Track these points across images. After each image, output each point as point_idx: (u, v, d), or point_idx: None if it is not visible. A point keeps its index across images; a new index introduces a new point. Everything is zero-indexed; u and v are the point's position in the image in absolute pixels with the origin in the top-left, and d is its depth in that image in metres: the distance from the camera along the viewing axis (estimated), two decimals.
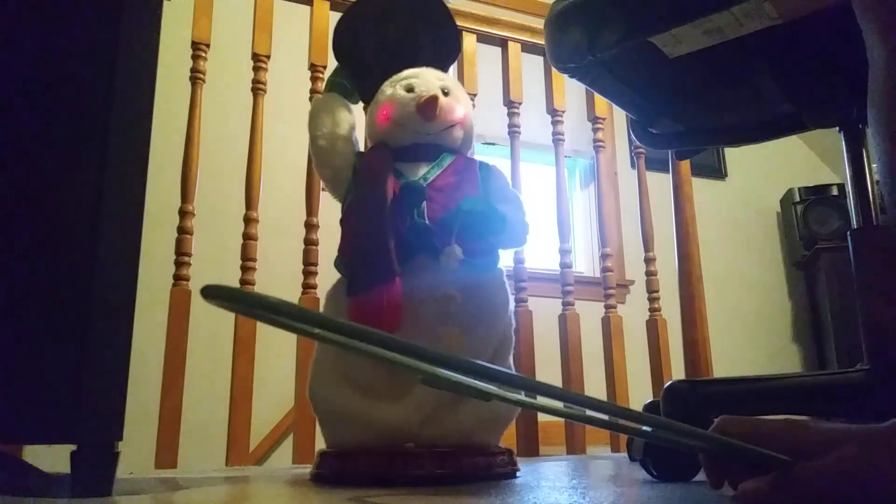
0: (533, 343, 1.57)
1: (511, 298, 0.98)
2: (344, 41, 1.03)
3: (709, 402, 0.84)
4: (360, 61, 1.04)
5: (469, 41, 1.71)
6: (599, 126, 1.82)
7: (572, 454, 1.56)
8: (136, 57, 0.79)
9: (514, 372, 0.95)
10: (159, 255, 1.54)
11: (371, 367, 0.88)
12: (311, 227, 1.46)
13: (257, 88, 1.50)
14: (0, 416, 0.67)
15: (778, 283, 3.63)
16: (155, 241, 1.36)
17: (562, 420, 1.61)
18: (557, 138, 1.76)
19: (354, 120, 1.03)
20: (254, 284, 1.41)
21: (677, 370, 1.73)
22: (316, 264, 1.44)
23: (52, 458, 0.83)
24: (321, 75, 1.52)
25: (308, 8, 1.58)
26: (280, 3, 1.56)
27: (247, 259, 1.41)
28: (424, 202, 0.92)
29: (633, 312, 2.10)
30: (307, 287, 1.43)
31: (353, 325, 0.43)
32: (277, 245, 2.10)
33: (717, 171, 3.63)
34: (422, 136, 1.00)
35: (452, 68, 1.59)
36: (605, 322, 1.71)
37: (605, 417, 0.52)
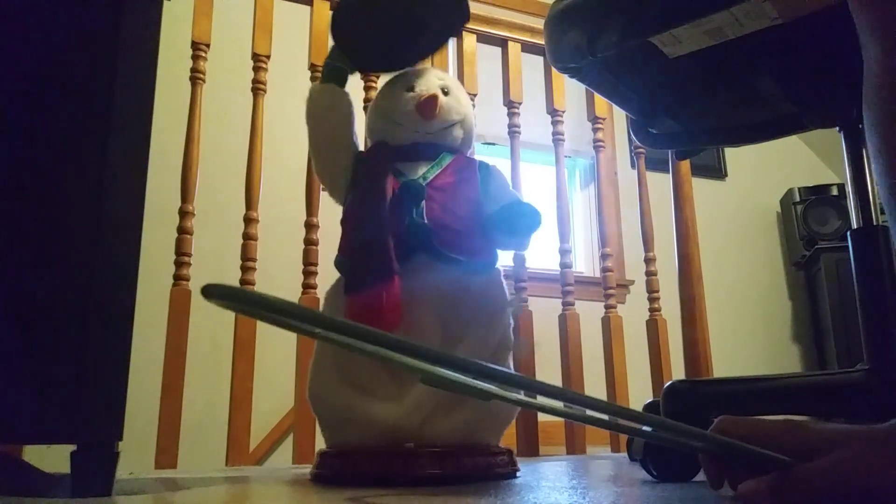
0: (533, 343, 1.57)
1: (510, 298, 0.98)
2: (344, 19, 1.01)
3: (709, 402, 0.84)
4: (358, 41, 1.02)
5: (469, 41, 1.71)
6: (599, 126, 1.82)
7: (572, 454, 1.56)
8: (136, 57, 0.79)
9: (512, 371, 0.95)
10: (159, 255, 1.54)
11: (371, 367, 0.88)
12: (311, 227, 1.46)
13: (257, 88, 1.50)
14: (0, 416, 0.67)
15: (778, 283, 3.63)
16: (155, 241, 1.36)
17: (562, 420, 1.61)
18: (557, 138, 1.76)
19: (353, 115, 1.01)
20: (254, 284, 1.41)
21: (677, 370, 1.73)
22: (316, 264, 1.44)
23: (52, 458, 0.83)
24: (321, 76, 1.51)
25: (308, 8, 1.58)
26: (280, 3, 1.56)
27: (247, 259, 1.41)
28: (424, 201, 0.92)
29: (633, 312, 2.10)
30: (307, 287, 1.43)
31: (353, 325, 0.43)
32: (277, 245, 2.10)
33: (717, 171, 3.62)
34: (421, 135, 1.00)
35: (452, 68, 1.58)
36: (605, 322, 1.71)
37: (605, 417, 0.52)
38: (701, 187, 2.17)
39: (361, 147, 1.09)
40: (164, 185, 1.48)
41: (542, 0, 3.15)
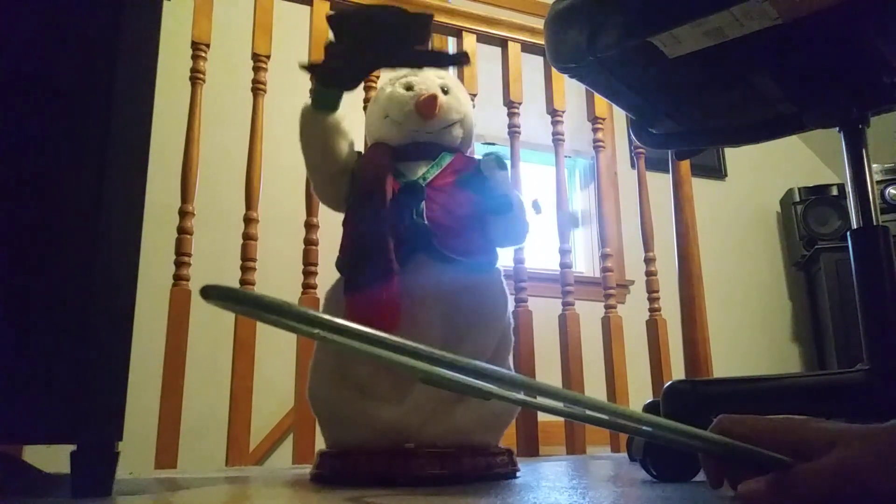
0: (533, 343, 1.57)
1: (510, 298, 0.98)
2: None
3: (709, 403, 0.84)
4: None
5: (469, 41, 1.71)
6: (599, 126, 1.82)
7: (572, 454, 1.56)
8: (136, 57, 0.79)
9: (512, 372, 0.95)
10: (159, 255, 1.54)
11: (371, 367, 0.88)
12: (311, 227, 1.46)
13: (257, 88, 1.50)
14: (0, 416, 0.67)
15: (778, 283, 3.63)
16: (155, 241, 1.36)
17: (562, 420, 1.61)
18: (557, 138, 1.75)
19: (347, 136, 0.98)
20: (254, 284, 1.41)
21: (677, 370, 1.73)
22: (316, 264, 1.44)
23: (52, 458, 0.83)
24: None
25: (308, 8, 1.58)
26: (280, 3, 1.56)
27: (247, 259, 1.41)
28: (423, 202, 0.92)
29: (633, 312, 2.10)
30: (307, 287, 1.43)
31: (352, 326, 0.43)
32: (277, 245, 2.10)
33: (717, 171, 3.62)
34: (421, 134, 1.00)
35: (452, 68, 1.58)
36: (605, 322, 1.71)
37: (605, 417, 0.52)
38: (701, 187, 2.17)
39: (361, 147, 1.09)
40: (164, 185, 1.48)
41: (542, 0, 3.15)
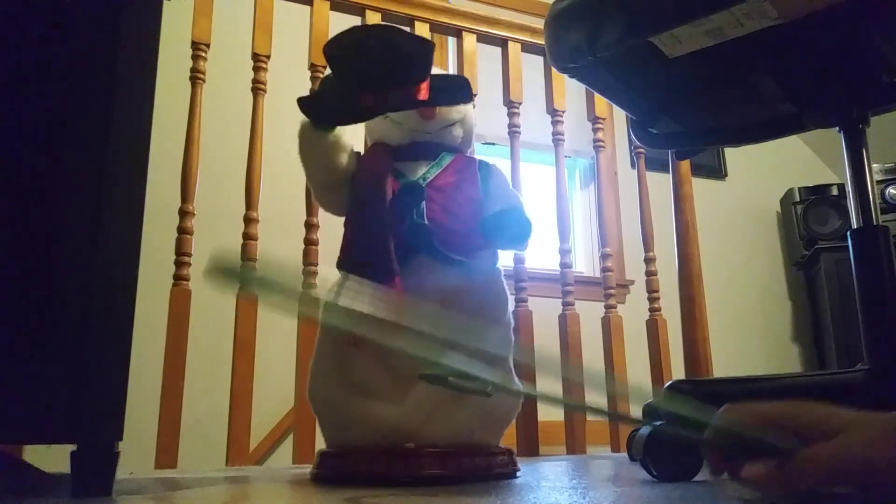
0: (533, 343, 1.57)
1: (511, 298, 0.98)
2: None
3: (709, 402, 0.84)
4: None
5: (469, 41, 1.71)
6: (599, 126, 1.82)
7: (572, 454, 1.56)
8: (136, 57, 0.79)
9: (512, 371, 0.95)
10: (159, 255, 1.54)
11: (371, 367, 0.88)
12: (311, 227, 1.46)
13: (257, 88, 1.50)
14: (0, 416, 0.67)
15: (778, 283, 3.62)
16: (155, 241, 1.36)
17: (562, 420, 1.61)
18: (557, 138, 1.75)
19: (347, 147, 0.97)
20: None
21: (677, 370, 1.73)
22: (316, 264, 1.44)
23: (52, 458, 0.83)
24: (321, 75, 1.52)
25: (308, 8, 1.58)
26: (280, 3, 1.56)
27: (247, 259, 1.41)
28: (424, 202, 0.92)
29: (633, 312, 2.10)
30: (307, 287, 1.43)
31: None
32: (277, 245, 2.10)
33: (717, 171, 3.62)
34: (421, 134, 1.00)
35: (452, 68, 1.58)
36: (605, 322, 1.71)
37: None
38: (701, 187, 2.17)
39: (361, 148, 1.09)
40: (164, 185, 1.48)
41: (543, 0, 3.15)
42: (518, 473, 0.91)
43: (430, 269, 0.89)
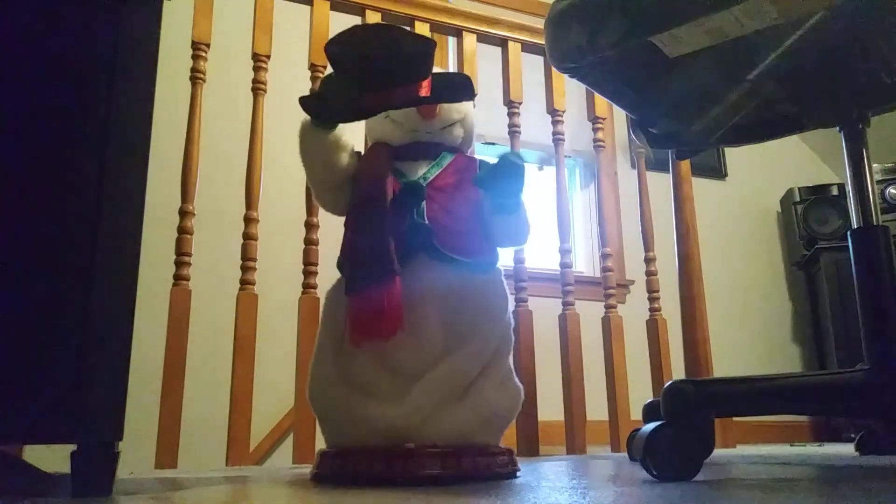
0: (533, 343, 1.57)
1: (511, 298, 0.98)
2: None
3: (709, 402, 0.84)
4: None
5: (469, 41, 1.71)
6: (599, 126, 1.82)
7: (572, 454, 1.56)
8: (136, 57, 0.79)
9: (512, 370, 0.95)
10: (159, 255, 1.54)
11: (371, 367, 0.88)
12: (311, 227, 1.46)
13: (257, 88, 1.50)
14: (0, 416, 0.67)
15: (778, 283, 3.62)
16: (155, 241, 1.36)
17: (562, 420, 1.61)
18: (557, 138, 1.76)
19: (348, 146, 0.97)
20: (254, 284, 1.41)
21: (677, 370, 1.73)
22: (316, 264, 1.44)
23: (52, 458, 0.83)
24: (321, 75, 1.52)
25: (308, 8, 1.58)
26: (280, 3, 1.56)
27: (247, 259, 1.41)
28: (424, 202, 0.92)
29: (633, 312, 2.10)
30: (307, 287, 1.43)
31: None
32: (277, 245, 2.10)
33: (717, 171, 3.62)
34: (421, 134, 1.00)
35: (453, 68, 1.58)
36: (605, 322, 1.71)
37: None
38: (701, 187, 2.17)
39: (362, 148, 1.09)
40: (164, 185, 1.48)
41: (543, 0, 3.15)
42: (518, 473, 0.91)
43: (431, 268, 0.89)
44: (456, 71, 1.70)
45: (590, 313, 1.76)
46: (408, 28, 1.63)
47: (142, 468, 1.23)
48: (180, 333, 1.34)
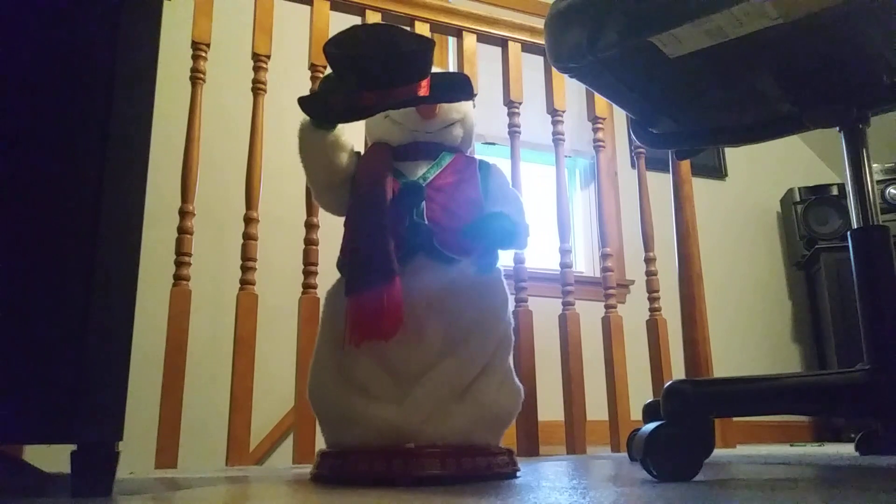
0: (533, 343, 1.57)
1: (511, 298, 0.98)
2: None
3: (709, 402, 0.84)
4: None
5: (469, 41, 1.71)
6: (599, 126, 1.82)
7: (572, 454, 1.56)
8: (136, 57, 0.79)
9: (512, 370, 0.95)
10: (159, 255, 1.54)
11: (371, 366, 0.88)
12: (311, 227, 1.46)
13: (257, 88, 1.50)
14: (0, 416, 0.67)
15: (778, 283, 3.63)
16: (155, 241, 1.36)
17: (562, 420, 1.61)
18: (557, 138, 1.76)
19: (347, 146, 0.98)
20: (254, 284, 1.41)
21: (677, 370, 1.73)
22: (316, 264, 1.44)
23: (52, 458, 0.83)
24: (321, 75, 1.52)
25: (308, 8, 1.58)
26: (280, 3, 1.56)
27: (247, 259, 1.41)
28: (424, 202, 0.92)
29: (633, 312, 2.10)
30: (307, 287, 1.43)
31: None
32: (277, 245, 2.10)
33: (717, 171, 3.62)
34: (421, 134, 1.00)
35: (453, 68, 1.58)
36: (605, 322, 1.71)
37: None
38: (701, 187, 2.18)
39: (361, 148, 1.08)
40: (164, 185, 1.48)
41: (543, 0, 3.15)
42: (518, 473, 0.91)
43: (430, 269, 0.89)
44: (455, 71, 1.70)
45: (590, 313, 1.76)
46: (407, 28, 1.63)
47: (142, 468, 1.23)
48: (180, 333, 1.34)
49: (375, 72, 0.85)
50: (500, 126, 1.81)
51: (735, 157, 3.68)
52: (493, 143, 3.03)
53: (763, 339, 3.47)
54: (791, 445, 2.46)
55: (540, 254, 2.75)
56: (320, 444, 0.96)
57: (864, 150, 0.90)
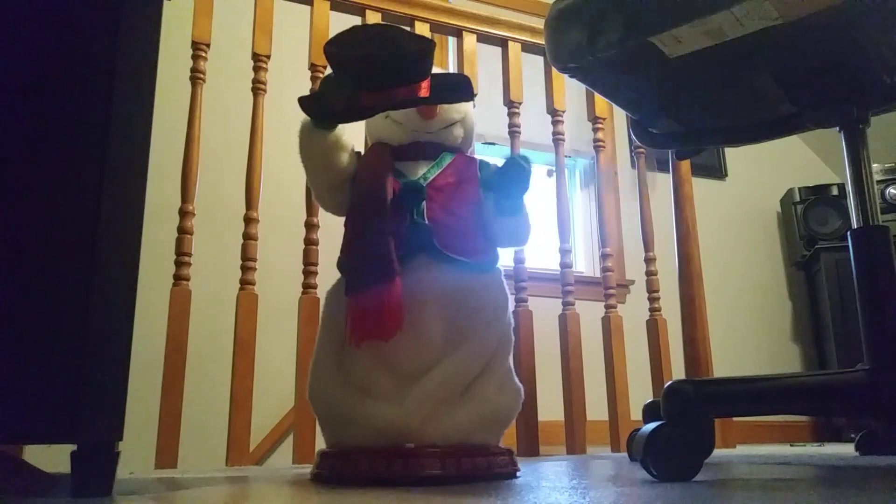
0: (533, 343, 1.57)
1: (511, 298, 0.98)
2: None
3: (709, 402, 0.84)
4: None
5: (469, 41, 1.71)
6: (599, 126, 1.82)
7: (572, 454, 1.56)
8: (136, 57, 0.79)
9: (512, 370, 0.95)
10: (159, 255, 1.54)
11: (371, 366, 0.88)
12: (311, 227, 1.46)
13: (257, 88, 1.50)
14: (0, 416, 0.67)
15: (778, 283, 3.63)
16: (155, 241, 1.36)
17: (562, 420, 1.61)
18: (557, 138, 1.76)
19: (348, 147, 0.98)
20: (254, 284, 1.41)
21: (677, 370, 1.73)
22: (316, 264, 1.44)
23: (52, 458, 0.83)
24: (321, 75, 1.52)
25: (308, 8, 1.58)
26: (280, 3, 1.56)
27: (247, 259, 1.41)
28: (424, 202, 0.92)
29: (633, 312, 2.10)
30: (307, 287, 1.43)
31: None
32: (277, 245, 2.10)
33: (717, 171, 3.62)
34: (421, 134, 1.00)
35: (453, 68, 1.58)
36: (605, 322, 1.71)
37: None
38: (701, 187, 2.18)
39: (361, 148, 1.09)
40: (164, 185, 1.48)
41: (543, 0, 3.15)
42: (518, 473, 0.91)
43: (431, 268, 0.89)
44: (455, 71, 1.70)
45: (590, 313, 1.76)
46: (408, 28, 1.63)
47: (142, 468, 1.23)
48: (180, 333, 1.34)
49: (376, 72, 0.85)
50: (500, 126, 1.81)
51: (735, 157, 3.68)
52: (493, 143, 3.03)
53: (763, 339, 3.47)
54: (791, 445, 2.46)
55: (540, 254, 2.75)
56: (320, 444, 0.96)
57: (864, 150, 0.90)
